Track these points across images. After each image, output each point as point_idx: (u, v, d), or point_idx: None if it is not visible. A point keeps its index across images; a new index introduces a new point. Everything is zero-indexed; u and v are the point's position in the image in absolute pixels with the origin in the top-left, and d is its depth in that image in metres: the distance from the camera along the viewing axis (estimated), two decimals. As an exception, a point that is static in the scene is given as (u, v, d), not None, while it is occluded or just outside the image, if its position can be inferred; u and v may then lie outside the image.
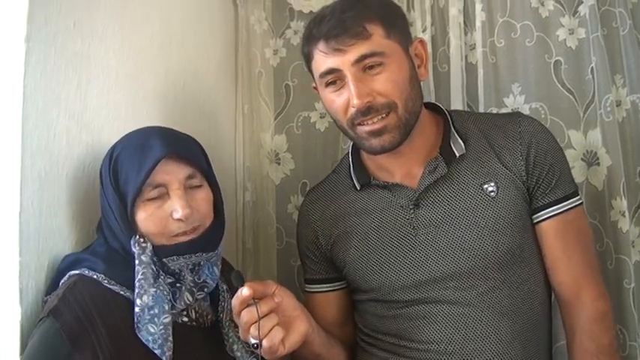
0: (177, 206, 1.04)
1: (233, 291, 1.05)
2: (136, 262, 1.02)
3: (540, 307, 1.18)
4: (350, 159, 1.30)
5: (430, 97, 1.60)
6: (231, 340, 1.09)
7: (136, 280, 1.00)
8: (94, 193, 1.13)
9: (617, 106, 1.44)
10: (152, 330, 0.98)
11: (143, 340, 0.97)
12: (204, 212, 1.10)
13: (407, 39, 1.20)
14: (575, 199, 1.19)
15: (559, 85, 1.50)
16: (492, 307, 1.13)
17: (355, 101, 1.12)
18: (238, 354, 1.08)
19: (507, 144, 1.19)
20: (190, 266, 1.07)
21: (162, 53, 1.44)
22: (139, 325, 0.98)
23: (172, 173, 1.06)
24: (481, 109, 1.54)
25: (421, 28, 1.62)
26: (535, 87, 1.51)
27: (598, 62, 1.43)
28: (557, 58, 1.50)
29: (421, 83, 1.56)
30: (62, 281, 1.02)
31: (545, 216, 1.18)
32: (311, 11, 1.70)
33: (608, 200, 1.43)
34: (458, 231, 1.16)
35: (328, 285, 1.33)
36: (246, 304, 1.01)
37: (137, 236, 1.04)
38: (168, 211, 1.05)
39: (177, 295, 1.05)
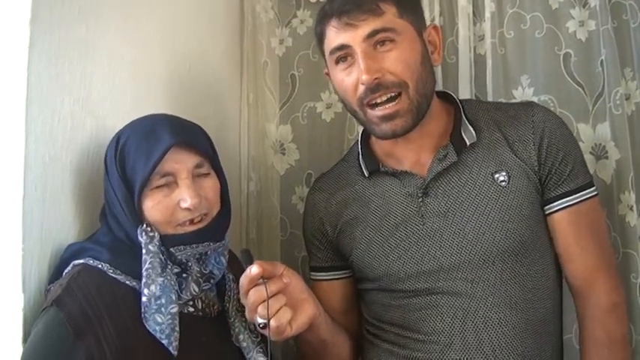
0: (186, 195, 1.03)
1: (239, 272, 1.05)
2: (144, 251, 1.01)
3: (551, 300, 1.16)
4: (359, 146, 1.29)
5: (438, 87, 1.56)
6: (237, 330, 1.09)
7: (144, 269, 1.00)
8: (98, 179, 1.12)
9: (626, 99, 1.43)
10: (159, 320, 0.98)
11: (150, 330, 0.97)
12: (212, 200, 1.09)
13: (420, 23, 1.19)
14: (589, 190, 1.17)
15: (568, 78, 1.48)
16: (501, 299, 1.12)
17: (364, 77, 1.10)
18: (244, 344, 1.08)
19: (520, 133, 1.17)
20: (197, 256, 1.06)
21: (168, 40, 1.43)
22: (146, 314, 0.97)
23: (181, 162, 1.04)
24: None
25: (429, 18, 1.59)
26: (544, 79, 1.50)
27: (608, 55, 1.42)
28: (566, 50, 1.49)
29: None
30: (66, 271, 1.01)
31: (558, 207, 1.16)
32: (318, 0, 1.68)
33: (617, 194, 1.42)
34: (467, 221, 1.14)
35: (333, 273, 1.32)
36: (255, 282, 1.00)
37: (144, 225, 1.03)
38: (176, 200, 1.04)
39: (184, 286, 1.04)
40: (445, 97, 1.27)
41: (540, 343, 1.13)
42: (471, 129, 1.19)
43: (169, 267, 1.03)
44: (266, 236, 1.72)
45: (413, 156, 1.21)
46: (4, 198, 0.99)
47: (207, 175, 1.09)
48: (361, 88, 1.13)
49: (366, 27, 1.11)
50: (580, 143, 1.44)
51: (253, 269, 1.00)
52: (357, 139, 1.32)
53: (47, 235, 1.04)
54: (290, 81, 1.76)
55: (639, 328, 1.38)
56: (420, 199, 1.18)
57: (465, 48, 1.56)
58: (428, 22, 1.57)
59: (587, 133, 1.46)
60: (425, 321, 1.15)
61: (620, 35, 1.45)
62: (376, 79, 1.11)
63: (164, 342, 0.96)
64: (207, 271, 1.08)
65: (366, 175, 1.26)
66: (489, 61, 1.53)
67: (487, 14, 1.53)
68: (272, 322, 0.99)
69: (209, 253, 1.08)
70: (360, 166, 1.27)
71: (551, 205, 1.17)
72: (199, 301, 1.07)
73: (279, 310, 1.01)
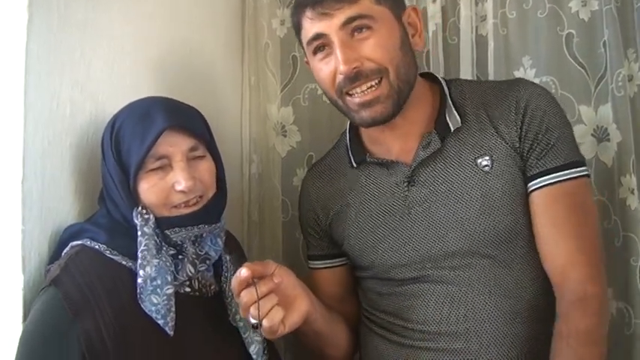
0: (180, 178, 1.04)
1: (237, 252, 1.06)
2: (139, 233, 1.02)
3: (544, 288, 1.12)
4: (347, 135, 1.28)
5: (439, 69, 1.56)
6: (234, 310, 1.10)
7: (139, 251, 1.01)
8: (97, 163, 1.13)
9: (629, 81, 1.40)
10: (155, 301, 0.99)
11: (146, 311, 0.98)
12: (207, 183, 1.09)
13: (399, 6, 1.16)
14: (575, 170, 1.10)
15: (570, 59, 1.45)
16: (490, 286, 1.11)
17: (342, 67, 1.09)
18: (241, 324, 1.09)
19: (503, 113, 1.14)
20: (192, 238, 1.07)
21: (168, 23, 1.42)
22: (142, 295, 0.99)
23: (175, 145, 1.05)
24: (490, 83, 1.51)
25: (432, -1, 1.58)
26: (546, 60, 1.47)
27: (611, 35, 1.38)
28: (569, 30, 1.46)
29: (430, 56, 1.58)
30: (64, 251, 1.02)
31: (536, 186, 1.11)
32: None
33: (617, 177, 1.39)
34: (451, 208, 1.13)
35: (330, 261, 1.33)
36: (246, 284, 1.01)
37: (139, 207, 1.04)
38: (171, 182, 1.05)
39: (180, 267, 1.06)
40: (432, 79, 1.25)
41: (531, 329, 1.11)
42: (456, 114, 1.16)
43: (165, 249, 1.04)
44: (268, 218, 1.72)
45: (399, 144, 1.20)
46: (4, 181, 1.01)
47: (202, 157, 1.10)
48: (340, 78, 1.11)
49: (342, 15, 1.08)
50: (582, 126, 1.44)
51: (243, 272, 1.00)
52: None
53: (47, 217, 1.06)
54: (291, 62, 1.74)
55: (638, 312, 1.37)
56: (406, 188, 1.17)
57: (466, 28, 1.54)
58: (431, 1, 1.57)
59: (588, 115, 1.44)
60: (414, 309, 1.15)
61: (624, 15, 1.41)
62: (355, 68, 1.09)
63: (160, 322, 0.98)
64: (203, 252, 1.09)
65: (354, 166, 1.25)
66: (491, 42, 1.50)
67: (489, -7, 1.51)
68: (264, 323, 1.00)
69: (204, 235, 1.09)
70: (349, 155, 1.27)
71: (531, 183, 1.12)
72: (196, 281, 1.08)
73: (270, 309, 1.01)
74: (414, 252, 1.15)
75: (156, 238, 1.03)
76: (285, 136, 1.74)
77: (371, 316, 1.25)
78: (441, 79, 1.23)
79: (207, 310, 1.09)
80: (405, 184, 1.17)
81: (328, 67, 1.13)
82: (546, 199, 1.10)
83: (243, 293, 1.01)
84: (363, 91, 1.11)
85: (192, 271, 1.07)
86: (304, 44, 1.17)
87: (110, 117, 1.11)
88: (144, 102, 1.11)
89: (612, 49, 1.39)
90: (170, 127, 1.04)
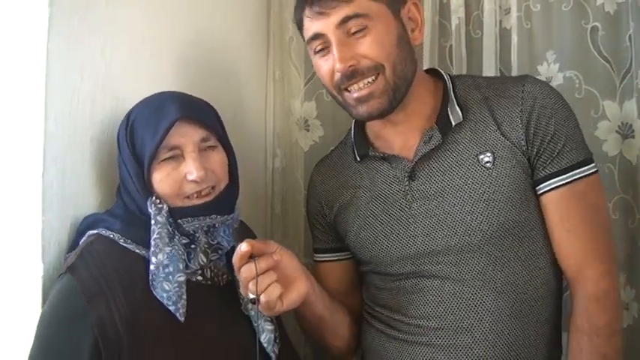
0: (192, 168, 1.07)
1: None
2: (152, 222, 1.05)
3: (544, 287, 1.13)
4: (352, 130, 1.29)
5: (462, 63, 1.56)
6: (245, 299, 1.11)
7: (152, 239, 1.04)
8: (115, 157, 1.16)
9: (655, 75, 1.37)
10: (167, 287, 1.02)
11: (158, 297, 1.01)
12: (218, 174, 1.12)
13: (398, 1, 1.16)
14: (583, 168, 1.11)
15: (595, 53, 1.42)
16: (488, 283, 1.10)
17: (338, 65, 1.10)
18: (252, 313, 1.11)
19: (508, 111, 1.14)
20: (205, 228, 1.10)
21: (191, 18, 1.44)
22: (154, 282, 1.02)
23: (187, 135, 1.08)
24: (513, 77, 1.49)
25: (455, -9, 1.57)
26: (570, 54, 1.44)
27: (636, 29, 1.35)
28: (594, 23, 1.43)
29: (453, 50, 1.56)
30: (82, 241, 1.06)
31: (547, 188, 1.11)
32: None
33: (643, 175, 1.37)
34: (451, 204, 1.13)
35: (335, 255, 1.34)
36: (245, 260, 1.04)
37: (153, 197, 1.07)
38: (183, 172, 1.08)
39: (192, 256, 1.08)
40: (437, 75, 1.25)
41: (528, 326, 1.10)
42: (458, 109, 1.16)
43: (177, 237, 1.07)
44: (290, 211, 1.74)
45: (401, 139, 1.20)
46: (25, 174, 1.05)
47: (213, 148, 1.12)
48: (337, 75, 1.12)
49: (338, 14, 1.10)
50: (606, 122, 1.41)
51: (242, 247, 1.03)
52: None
53: (66, 209, 1.09)
54: (315, 57, 1.75)
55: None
56: (407, 183, 1.18)
57: (490, 22, 1.52)
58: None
59: (613, 111, 1.41)
60: (412, 304, 1.16)
61: (650, 8, 1.39)
62: (351, 66, 1.10)
63: (171, 309, 1.01)
64: (215, 242, 1.11)
65: (358, 160, 1.26)
66: (515, 36, 1.48)
67: (513, -15, 1.49)
68: (262, 298, 1.03)
69: (217, 225, 1.11)
70: (353, 150, 1.28)
71: (541, 185, 1.12)
72: (208, 270, 1.11)
73: (268, 286, 1.03)
74: (414, 247, 1.16)
75: (169, 226, 1.06)
76: (308, 130, 1.76)
77: (371, 311, 1.25)
78: (444, 75, 1.23)
79: (219, 298, 1.11)
80: (406, 179, 1.18)
81: (327, 65, 1.14)
82: (558, 200, 1.11)
83: (243, 268, 1.04)
84: (360, 88, 1.12)
85: (204, 260, 1.09)
86: (305, 41, 1.19)
87: (130, 112, 1.15)
88: (157, 96, 1.14)
89: (638, 43, 1.37)
90: (182, 118, 1.07)
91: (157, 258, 1.02)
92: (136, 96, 1.19)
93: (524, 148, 1.12)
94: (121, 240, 1.06)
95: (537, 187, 1.13)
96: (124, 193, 1.11)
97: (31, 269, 1.04)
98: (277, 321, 1.15)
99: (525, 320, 1.11)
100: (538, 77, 1.45)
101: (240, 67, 1.66)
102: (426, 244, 1.15)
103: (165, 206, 1.07)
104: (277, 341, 1.11)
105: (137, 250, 1.06)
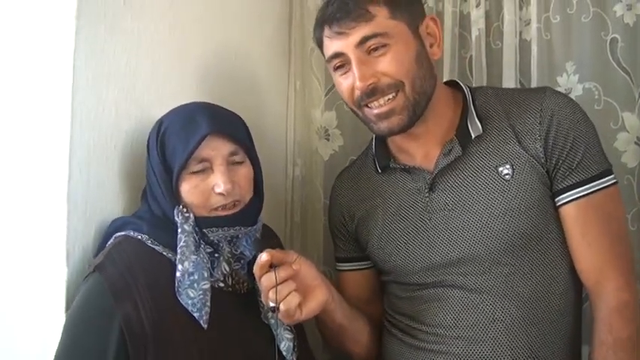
0: (220, 181, 1.09)
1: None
2: (179, 230, 1.07)
3: (563, 296, 1.14)
4: (373, 142, 1.31)
5: (482, 74, 1.56)
6: (266, 307, 1.13)
7: (179, 247, 1.06)
8: (140, 164, 1.19)
9: (675, 87, 1.37)
10: (192, 295, 1.04)
11: (183, 304, 1.03)
12: (244, 188, 1.14)
13: (416, 18, 1.17)
14: (602, 180, 1.11)
15: (615, 64, 1.43)
16: (506, 294, 1.11)
17: (358, 83, 1.12)
18: (272, 321, 1.12)
19: (527, 123, 1.14)
20: (229, 238, 1.12)
21: (214, 29, 1.47)
22: (180, 289, 1.04)
23: (217, 149, 1.10)
24: (533, 89, 1.49)
25: (475, 3, 1.58)
26: (589, 66, 1.45)
27: (657, 40, 1.36)
28: (613, 35, 1.43)
29: (473, 61, 1.57)
30: (109, 242, 1.09)
31: (566, 200, 1.12)
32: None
33: (662, 187, 1.37)
34: (471, 215, 1.14)
35: (356, 264, 1.36)
36: (266, 269, 1.06)
37: (180, 206, 1.10)
38: (211, 184, 1.10)
39: (216, 265, 1.11)
40: (456, 87, 1.26)
41: (547, 338, 1.11)
42: (477, 121, 1.17)
43: (202, 246, 1.09)
44: (310, 220, 1.76)
45: (422, 151, 1.22)
46: (51, 179, 1.08)
47: (241, 163, 1.14)
48: (357, 93, 1.14)
49: (357, 34, 1.11)
50: (625, 133, 1.41)
51: (262, 257, 1.05)
52: None
53: (91, 214, 1.12)
54: (335, 68, 1.77)
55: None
56: (427, 194, 1.19)
57: (510, 33, 1.53)
58: (474, 6, 1.57)
59: (632, 123, 1.41)
60: (432, 313, 1.17)
61: (670, 20, 1.38)
62: (371, 84, 1.12)
63: (195, 315, 1.03)
64: (238, 252, 1.13)
65: (379, 171, 1.27)
66: (534, 47, 1.49)
67: (533, -3, 1.50)
68: (281, 306, 1.05)
69: (240, 235, 1.13)
70: (374, 161, 1.29)
71: (559, 197, 1.13)
72: (230, 278, 1.12)
73: (288, 294, 1.05)
74: (435, 257, 1.17)
75: (195, 235, 1.08)
76: (328, 140, 1.77)
77: (391, 319, 1.27)
78: (464, 87, 1.24)
79: (240, 305, 1.13)
80: (427, 191, 1.19)
81: (347, 82, 1.16)
82: (576, 212, 1.12)
83: (263, 278, 1.06)
84: (380, 104, 1.14)
85: (227, 269, 1.11)
86: (325, 59, 1.21)
87: (154, 121, 1.17)
88: (189, 107, 1.17)
89: (658, 55, 1.36)
90: (213, 132, 1.09)
91: (182, 266, 1.05)
92: (160, 104, 1.22)
93: (542, 160, 1.13)
94: (149, 241, 1.08)
95: (556, 199, 1.14)
96: (151, 197, 1.14)
97: (55, 273, 1.06)
98: (298, 329, 1.16)
99: (544, 330, 1.11)
100: (557, 88, 1.47)
101: (261, 76, 1.68)
102: (446, 254, 1.16)
103: (191, 215, 1.09)
104: (296, 350, 1.13)
105: (164, 253, 1.08)
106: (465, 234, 1.14)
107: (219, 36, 1.49)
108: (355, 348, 1.30)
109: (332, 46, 1.16)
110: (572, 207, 1.12)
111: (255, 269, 1.07)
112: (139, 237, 1.08)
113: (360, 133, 1.71)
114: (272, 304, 1.05)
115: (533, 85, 1.49)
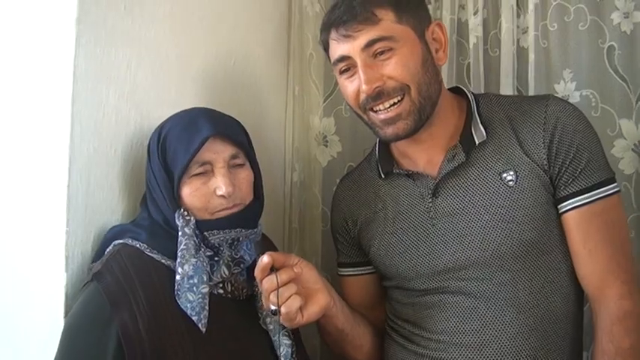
0: (221, 184, 1.09)
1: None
2: (180, 233, 1.08)
3: (564, 302, 1.13)
4: (377, 147, 1.31)
5: (480, 81, 1.57)
6: (264, 313, 1.13)
7: (179, 250, 1.06)
8: (140, 168, 1.19)
9: (671, 94, 1.38)
10: (191, 298, 1.04)
11: (182, 307, 1.03)
12: (245, 191, 1.15)
13: (422, 23, 1.18)
14: (605, 188, 1.12)
15: (612, 72, 1.44)
16: (508, 299, 1.11)
17: (364, 86, 1.13)
18: (271, 327, 1.13)
19: (531, 130, 1.15)
20: (229, 241, 1.12)
21: (213, 35, 1.47)
22: (179, 292, 1.04)
23: (218, 152, 1.11)
24: (530, 96, 1.50)
25: (472, 11, 1.59)
26: (587, 73, 1.46)
27: (653, 48, 1.37)
28: (610, 43, 1.45)
29: (471, 68, 1.58)
30: (107, 250, 1.09)
31: (568, 207, 1.12)
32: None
33: (659, 194, 1.37)
34: (474, 221, 1.14)
35: (359, 269, 1.35)
36: (267, 272, 1.06)
37: (182, 209, 1.10)
38: (212, 187, 1.10)
39: (215, 268, 1.10)
40: (461, 93, 1.26)
41: (549, 344, 1.11)
42: (481, 127, 1.17)
43: (202, 250, 1.09)
44: (308, 226, 1.76)
45: (425, 156, 1.22)
46: (50, 185, 1.08)
47: (242, 165, 1.15)
48: (362, 96, 1.15)
49: (363, 38, 1.12)
50: (622, 140, 1.42)
51: (264, 259, 1.05)
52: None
53: (90, 219, 1.12)
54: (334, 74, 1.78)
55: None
56: (430, 200, 1.19)
57: (508, 41, 1.54)
58: (472, 13, 1.58)
59: (629, 130, 1.41)
60: (433, 319, 1.17)
61: (667, 27, 1.40)
62: (377, 87, 1.12)
63: (194, 318, 1.03)
64: (238, 255, 1.13)
65: (382, 177, 1.28)
66: (532, 55, 1.50)
67: (531, 6, 1.51)
68: (282, 309, 1.05)
69: (241, 239, 1.13)
70: (377, 167, 1.29)
71: (562, 204, 1.13)
72: (229, 284, 1.12)
73: (289, 297, 1.05)
74: (437, 263, 1.17)
75: (195, 238, 1.08)
76: (326, 146, 1.78)
77: (393, 325, 1.27)
78: (468, 93, 1.24)
79: (239, 312, 1.13)
80: (430, 196, 1.19)
81: (352, 86, 1.17)
82: (579, 219, 1.12)
83: (264, 281, 1.06)
84: (386, 109, 1.14)
85: (227, 273, 1.11)
86: (331, 63, 1.22)
87: (155, 126, 1.18)
88: (190, 112, 1.17)
89: (655, 62, 1.37)
90: (214, 135, 1.10)
91: (182, 269, 1.05)
92: (160, 109, 1.22)
93: (546, 167, 1.13)
94: (147, 250, 1.08)
95: (559, 206, 1.14)
96: (151, 203, 1.14)
97: (54, 279, 1.06)
98: (296, 336, 1.16)
99: (546, 336, 1.11)
100: (556, 95, 1.47)
101: (260, 82, 1.69)
102: (449, 260, 1.16)
103: (192, 219, 1.09)
104: (294, 356, 1.13)
105: (162, 260, 1.08)
106: (468, 240, 1.14)
107: (219, 42, 1.50)
108: (357, 354, 1.29)
109: (338, 49, 1.16)
110: (575, 214, 1.12)
111: (257, 272, 1.07)
112: (137, 245, 1.08)
113: (359, 139, 1.73)
114: (273, 307, 1.05)
115: (531, 92, 1.50)
